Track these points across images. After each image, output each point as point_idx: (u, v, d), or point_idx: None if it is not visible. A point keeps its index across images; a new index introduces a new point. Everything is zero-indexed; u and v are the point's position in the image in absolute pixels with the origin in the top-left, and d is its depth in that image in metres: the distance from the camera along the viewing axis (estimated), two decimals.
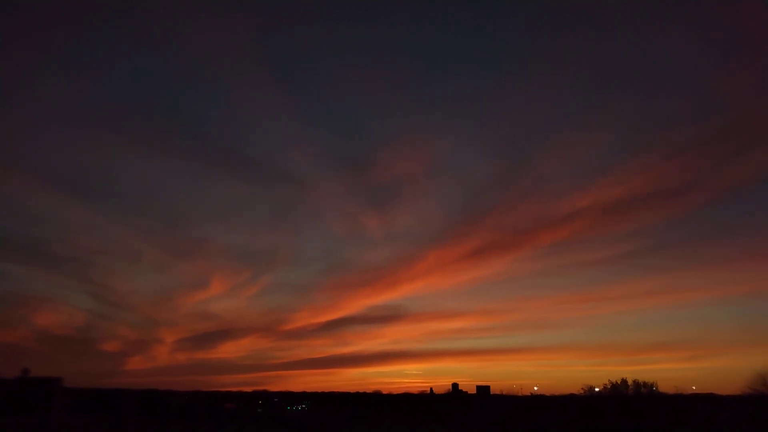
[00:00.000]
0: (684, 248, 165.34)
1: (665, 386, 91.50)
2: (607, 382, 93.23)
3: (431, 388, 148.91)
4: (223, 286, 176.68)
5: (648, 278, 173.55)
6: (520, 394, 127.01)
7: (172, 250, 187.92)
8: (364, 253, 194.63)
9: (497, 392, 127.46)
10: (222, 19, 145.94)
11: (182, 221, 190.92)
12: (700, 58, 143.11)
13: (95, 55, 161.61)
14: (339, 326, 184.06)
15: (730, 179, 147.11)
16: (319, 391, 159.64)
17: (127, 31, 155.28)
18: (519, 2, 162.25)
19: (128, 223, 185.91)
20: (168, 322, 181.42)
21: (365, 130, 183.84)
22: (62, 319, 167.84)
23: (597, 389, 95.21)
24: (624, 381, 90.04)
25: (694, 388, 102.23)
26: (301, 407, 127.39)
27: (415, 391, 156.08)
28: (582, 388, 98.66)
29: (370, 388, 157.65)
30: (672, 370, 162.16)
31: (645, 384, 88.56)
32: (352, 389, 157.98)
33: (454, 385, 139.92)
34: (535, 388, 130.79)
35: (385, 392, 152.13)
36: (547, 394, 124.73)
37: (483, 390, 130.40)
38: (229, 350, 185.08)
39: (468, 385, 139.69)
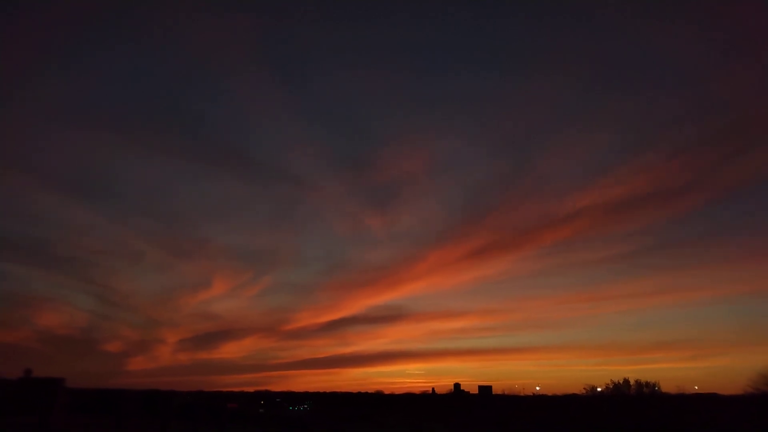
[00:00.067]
0: (684, 248, 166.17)
1: (667, 386, 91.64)
2: (609, 382, 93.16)
3: (433, 388, 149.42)
4: (224, 286, 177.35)
5: (649, 278, 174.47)
6: (522, 394, 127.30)
7: (174, 250, 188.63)
8: (366, 253, 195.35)
9: (499, 392, 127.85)
10: (222, 19, 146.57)
11: (183, 221, 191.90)
12: (700, 58, 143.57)
13: (95, 55, 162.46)
14: (340, 326, 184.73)
15: (730, 179, 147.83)
16: (321, 391, 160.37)
17: (127, 31, 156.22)
18: (519, 2, 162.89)
19: (129, 223, 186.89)
20: (170, 322, 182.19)
21: (365, 130, 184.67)
22: (64, 319, 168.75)
23: (599, 389, 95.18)
24: (626, 381, 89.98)
25: (696, 387, 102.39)
26: (303, 407, 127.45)
27: (417, 391, 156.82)
28: (584, 388, 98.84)
29: (371, 388, 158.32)
30: (673, 370, 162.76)
31: (647, 384, 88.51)
32: (354, 389, 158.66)
33: (456, 385, 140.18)
34: (537, 388, 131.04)
35: (387, 392, 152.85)
36: (549, 393, 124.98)
37: (485, 390, 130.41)
38: (230, 350, 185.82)
39: (470, 384, 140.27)
